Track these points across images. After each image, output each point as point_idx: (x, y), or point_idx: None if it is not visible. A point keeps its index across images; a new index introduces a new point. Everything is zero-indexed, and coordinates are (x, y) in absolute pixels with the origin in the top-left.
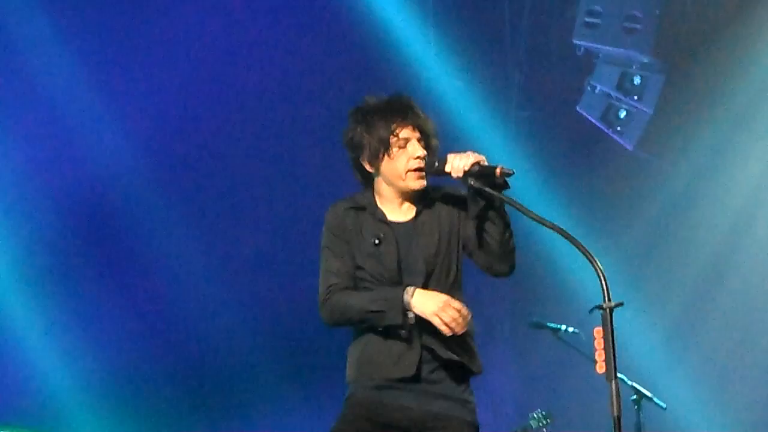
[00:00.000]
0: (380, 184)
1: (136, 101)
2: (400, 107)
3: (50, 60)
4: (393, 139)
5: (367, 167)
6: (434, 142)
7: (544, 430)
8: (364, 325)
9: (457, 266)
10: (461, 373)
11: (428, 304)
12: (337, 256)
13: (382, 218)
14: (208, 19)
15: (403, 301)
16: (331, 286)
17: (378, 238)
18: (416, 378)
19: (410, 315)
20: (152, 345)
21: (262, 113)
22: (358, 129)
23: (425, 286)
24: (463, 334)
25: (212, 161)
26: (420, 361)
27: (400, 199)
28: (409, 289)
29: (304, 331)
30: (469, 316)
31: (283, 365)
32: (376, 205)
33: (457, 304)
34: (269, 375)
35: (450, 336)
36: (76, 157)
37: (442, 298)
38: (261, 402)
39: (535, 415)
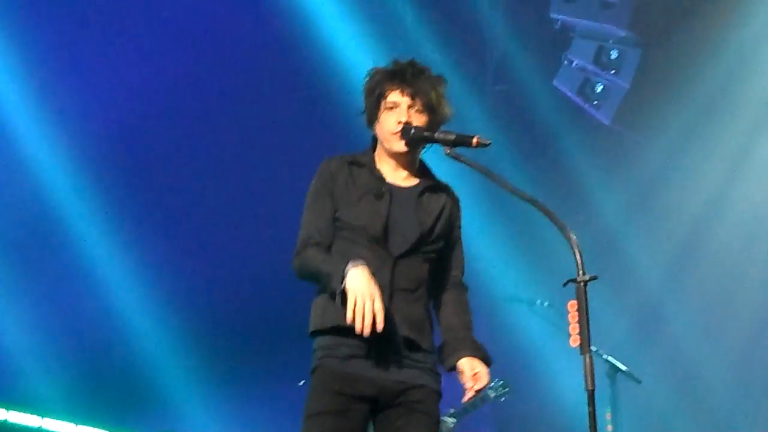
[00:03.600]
0: (379, 146)
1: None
2: (398, 72)
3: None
4: (383, 102)
5: (369, 128)
6: (437, 112)
7: (501, 399)
8: (320, 284)
9: (437, 259)
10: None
11: (356, 281)
12: (318, 209)
13: (379, 176)
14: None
15: (344, 269)
16: (307, 239)
17: (380, 193)
18: (384, 347)
19: (341, 285)
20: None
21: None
22: (364, 91)
23: (403, 256)
24: (422, 315)
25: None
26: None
27: (395, 163)
28: (358, 262)
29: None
30: (380, 327)
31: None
32: (375, 165)
33: (378, 306)
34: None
35: (409, 315)
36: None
37: (373, 290)
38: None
39: (492, 385)
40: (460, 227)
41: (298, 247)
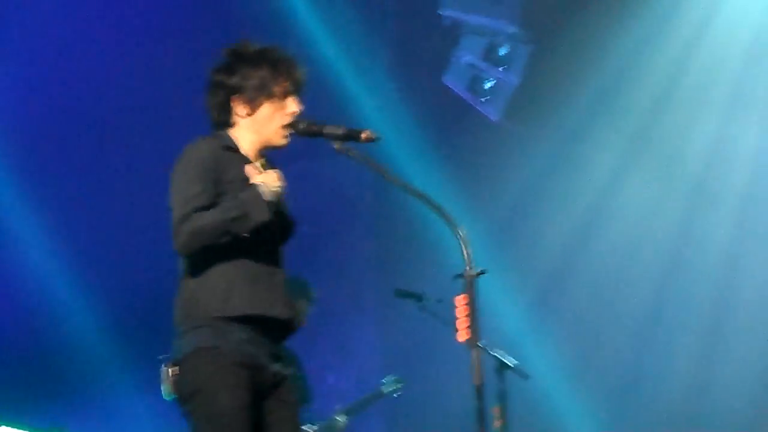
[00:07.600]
0: (241, 130)
1: None
2: (287, 64)
3: None
4: (277, 89)
5: (240, 108)
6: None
7: (395, 395)
8: (226, 239)
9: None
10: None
11: (271, 182)
12: (200, 182)
13: (251, 162)
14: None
15: (260, 194)
16: (190, 209)
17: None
18: (267, 335)
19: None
20: None
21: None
22: (259, 72)
23: (288, 236)
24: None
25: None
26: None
27: (256, 152)
28: (255, 182)
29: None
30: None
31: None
32: (241, 150)
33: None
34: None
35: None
36: None
37: (274, 173)
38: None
39: (385, 381)
40: None
41: (180, 219)
